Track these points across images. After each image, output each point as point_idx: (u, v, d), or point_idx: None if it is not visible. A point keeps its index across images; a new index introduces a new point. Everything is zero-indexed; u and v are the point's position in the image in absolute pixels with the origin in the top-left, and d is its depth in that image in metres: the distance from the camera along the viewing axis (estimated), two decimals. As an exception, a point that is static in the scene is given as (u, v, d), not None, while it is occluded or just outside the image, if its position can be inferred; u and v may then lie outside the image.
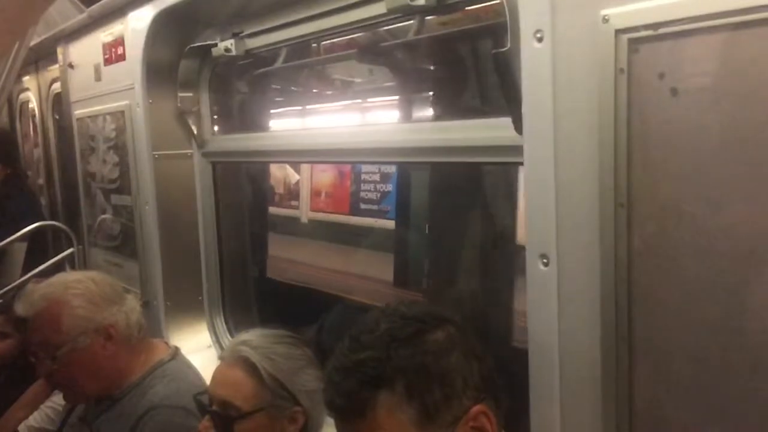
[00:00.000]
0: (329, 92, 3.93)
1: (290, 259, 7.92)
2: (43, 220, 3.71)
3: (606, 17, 1.00)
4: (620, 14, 0.98)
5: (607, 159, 1.02)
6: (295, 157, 2.35)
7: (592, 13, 1.01)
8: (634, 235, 1.01)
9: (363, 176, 11.83)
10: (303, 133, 2.27)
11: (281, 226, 10.44)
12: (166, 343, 1.97)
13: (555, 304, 1.14)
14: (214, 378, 1.54)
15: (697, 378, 0.96)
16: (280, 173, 11.19)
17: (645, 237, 1.00)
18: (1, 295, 3.03)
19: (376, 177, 11.34)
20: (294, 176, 12.03)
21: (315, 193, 13.26)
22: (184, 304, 2.59)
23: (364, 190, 11.64)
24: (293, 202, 12.32)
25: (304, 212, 13.00)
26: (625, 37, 0.98)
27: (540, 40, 1.11)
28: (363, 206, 11.48)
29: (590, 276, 1.07)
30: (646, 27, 0.95)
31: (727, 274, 0.91)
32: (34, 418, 2.11)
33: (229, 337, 2.59)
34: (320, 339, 2.91)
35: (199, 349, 2.52)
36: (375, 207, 10.72)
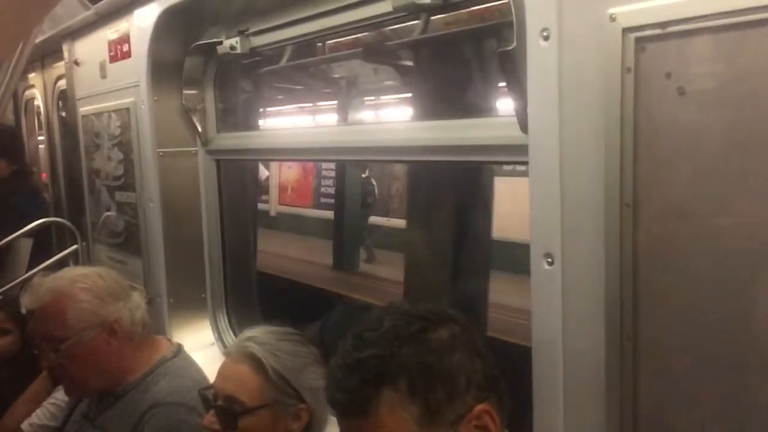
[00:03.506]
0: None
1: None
2: (48, 216, 3.72)
3: (613, 16, 0.99)
4: (627, 13, 0.98)
5: (613, 158, 1.02)
6: (300, 155, 2.34)
7: (599, 11, 1.01)
8: (639, 234, 1.00)
9: (323, 172, 12.18)
10: (307, 131, 2.27)
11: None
12: (169, 340, 1.97)
13: (559, 303, 1.14)
14: (219, 373, 1.54)
15: (702, 378, 0.96)
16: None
17: (651, 237, 0.99)
18: (5, 292, 3.04)
19: (333, 173, 11.70)
20: (264, 173, 12.26)
21: (282, 188, 13.66)
22: (188, 301, 2.60)
23: (324, 186, 11.97)
24: (264, 197, 12.87)
25: (273, 206, 13.44)
26: (632, 35, 0.97)
27: (546, 38, 1.10)
28: (323, 200, 11.81)
29: (595, 275, 1.07)
30: (654, 26, 0.95)
31: (733, 274, 0.91)
32: (37, 415, 2.12)
33: (231, 334, 2.59)
34: (323, 337, 2.92)
35: (202, 346, 2.52)
36: (333, 201, 11.30)
